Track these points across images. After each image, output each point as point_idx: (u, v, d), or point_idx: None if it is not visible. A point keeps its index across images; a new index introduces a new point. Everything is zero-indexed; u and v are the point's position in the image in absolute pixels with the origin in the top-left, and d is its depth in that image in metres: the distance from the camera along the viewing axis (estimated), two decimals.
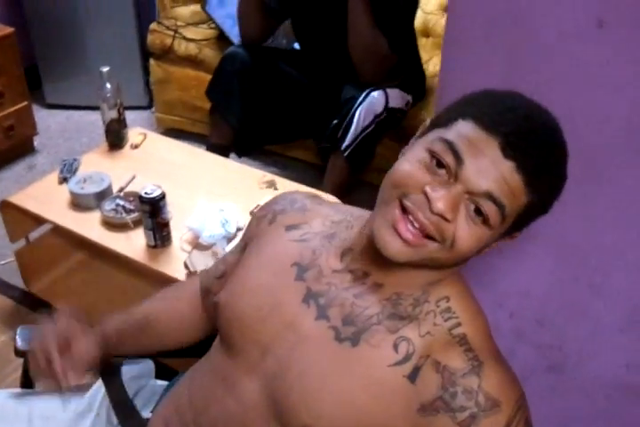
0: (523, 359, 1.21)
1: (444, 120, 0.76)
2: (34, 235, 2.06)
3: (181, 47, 2.76)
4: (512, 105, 0.74)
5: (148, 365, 1.19)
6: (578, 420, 1.23)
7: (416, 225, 0.73)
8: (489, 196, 0.71)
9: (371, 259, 0.82)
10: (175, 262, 1.65)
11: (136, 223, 1.74)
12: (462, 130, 0.73)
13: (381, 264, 0.81)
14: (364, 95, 2.15)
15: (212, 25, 2.74)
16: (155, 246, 1.69)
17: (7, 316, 2.09)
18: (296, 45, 2.59)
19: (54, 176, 1.96)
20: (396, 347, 0.80)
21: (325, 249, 0.89)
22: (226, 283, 0.97)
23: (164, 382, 1.19)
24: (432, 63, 2.58)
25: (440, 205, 0.71)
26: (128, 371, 1.15)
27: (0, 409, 1.07)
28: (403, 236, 0.73)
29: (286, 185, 1.89)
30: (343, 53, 2.19)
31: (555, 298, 1.11)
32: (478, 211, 0.72)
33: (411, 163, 0.75)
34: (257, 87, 2.37)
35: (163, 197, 1.64)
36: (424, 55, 2.51)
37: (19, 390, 1.16)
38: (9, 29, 2.55)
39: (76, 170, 1.97)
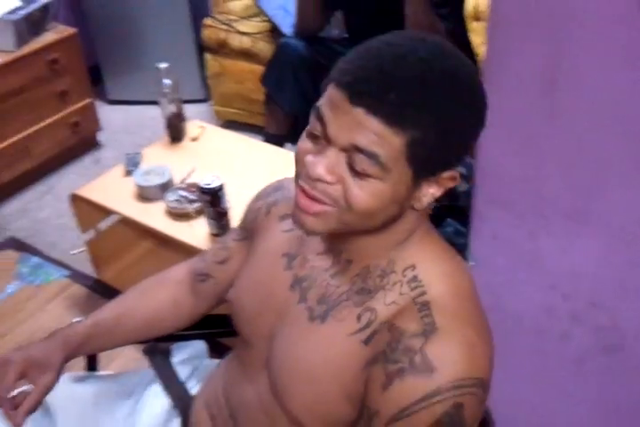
0: (578, 341, 1.23)
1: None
2: (102, 226, 2.16)
3: (235, 41, 2.82)
4: (366, 48, 0.72)
5: (200, 346, 1.24)
6: (633, 401, 1.23)
7: (309, 195, 0.75)
8: (355, 148, 0.70)
9: (338, 236, 0.83)
10: None
11: (198, 213, 1.82)
12: (328, 94, 0.72)
13: (345, 239, 0.82)
14: None
15: (265, 18, 2.78)
16: (217, 235, 1.76)
17: (81, 303, 2.20)
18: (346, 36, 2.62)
19: (119, 169, 2.05)
20: (359, 317, 0.81)
21: None
22: (233, 275, 1.02)
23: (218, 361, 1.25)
24: (485, 47, 2.56)
25: (318, 169, 0.72)
26: (179, 354, 1.21)
27: (66, 391, 1.12)
28: (304, 209, 0.75)
29: None
30: None
31: (606, 279, 1.12)
32: (356, 168, 0.71)
33: (302, 138, 0.77)
34: (310, 76, 2.41)
35: (221, 187, 1.70)
36: (476, 39, 2.50)
37: (83, 372, 1.23)
38: (72, 30, 2.66)
39: (140, 163, 2.06)
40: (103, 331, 1.07)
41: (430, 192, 0.76)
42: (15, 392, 0.96)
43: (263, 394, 0.92)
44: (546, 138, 1.05)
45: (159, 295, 1.13)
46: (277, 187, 1.04)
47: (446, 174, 0.75)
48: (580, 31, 0.93)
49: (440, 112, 0.69)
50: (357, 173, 0.71)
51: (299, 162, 0.76)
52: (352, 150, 0.70)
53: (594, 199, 1.07)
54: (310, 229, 0.78)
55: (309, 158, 0.73)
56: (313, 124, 0.74)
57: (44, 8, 2.55)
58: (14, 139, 2.57)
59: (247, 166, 2.02)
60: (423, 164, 0.72)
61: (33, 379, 0.97)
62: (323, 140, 0.73)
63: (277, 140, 2.50)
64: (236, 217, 1.78)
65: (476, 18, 2.72)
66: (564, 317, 1.20)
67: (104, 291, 2.21)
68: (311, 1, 2.33)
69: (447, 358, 0.73)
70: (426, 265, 0.81)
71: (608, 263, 1.10)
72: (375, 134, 0.68)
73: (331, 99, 0.71)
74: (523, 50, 0.86)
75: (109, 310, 1.10)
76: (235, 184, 1.86)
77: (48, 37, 2.59)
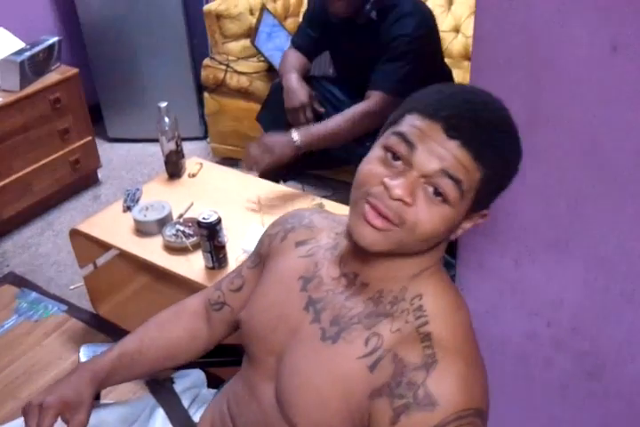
0: (562, 367, 1.26)
1: (394, 119, 0.84)
2: (101, 260, 2.20)
3: (233, 80, 2.90)
4: (451, 92, 0.82)
5: (199, 375, 1.28)
6: (618, 425, 1.26)
7: (381, 214, 0.79)
8: (443, 172, 0.77)
9: (357, 259, 0.89)
10: None
11: (195, 247, 1.85)
12: (410, 121, 0.80)
13: (365, 261, 0.88)
14: None
15: (262, 58, 2.87)
16: (212, 268, 1.79)
17: (77, 337, 2.22)
18: None
19: (118, 205, 2.09)
20: (367, 341, 0.86)
21: (327, 260, 0.96)
22: (247, 300, 1.05)
23: (215, 391, 1.27)
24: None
25: (398, 191, 0.77)
26: (181, 383, 1.24)
27: None
28: (372, 223, 0.80)
29: (334, 207, 1.98)
30: None
31: (587, 305, 1.16)
32: (437, 192, 0.78)
33: (370, 162, 0.83)
34: None
35: (219, 221, 1.74)
36: (466, 77, 2.58)
37: None
38: (74, 70, 2.73)
39: (139, 199, 2.10)
40: (127, 363, 1.10)
41: (465, 226, 0.86)
42: None
43: (268, 409, 0.95)
44: (527, 172, 1.10)
45: (177, 327, 1.16)
46: (294, 215, 1.09)
47: (483, 211, 0.86)
48: (557, 73, 0.99)
49: (509, 158, 0.82)
50: (433, 199, 0.78)
51: (370, 183, 0.81)
52: (437, 176, 0.77)
53: (574, 229, 1.11)
54: (370, 244, 0.81)
55: (388, 180, 0.79)
56: (394, 147, 0.80)
57: (49, 49, 2.64)
58: (17, 175, 2.63)
59: (243, 201, 2.07)
60: (482, 199, 0.82)
61: (67, 419, 0.99)
62: (399, 163, 0.79)
63: (272, 176, 2.55)
64: (232, 251, 1.82)
65: (467, 57, 2.82)
66: (547, 343, 1.24)
67: (100, 325, 2.24)
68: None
69: (447, 392, 0.78)
70: (432, 296, 0.87)
71: (589, 291, 1.14)
72: (462, 165, 0.77)
73: (419, 127, 0.79)
74: (503, 90, 0.92)
75: (131, 342, 1.13)
76: (231, 218, 1.91)
77: (51, 77, 2.66)
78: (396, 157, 0.80)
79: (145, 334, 1.15)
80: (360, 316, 0.88)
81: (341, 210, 1.85)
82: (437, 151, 0.77)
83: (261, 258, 1.09)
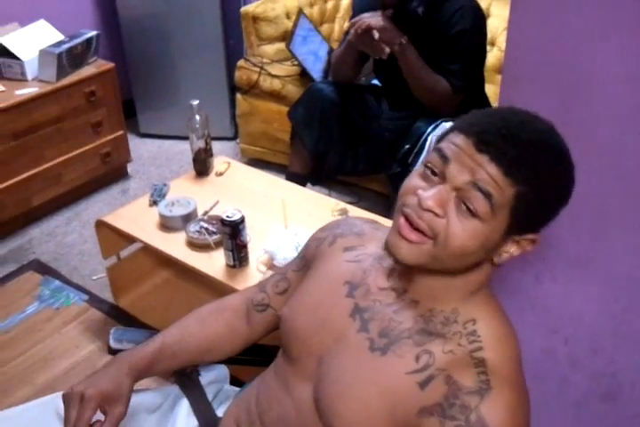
0: (577, 387, 1.25)
1: (438, 138, 0.86)
2: (124, 253, 2.23)
3: (266, 83, 2.92)
4: (492, 112, 0.85)
5: (223, 370, 1.29)
6: None
7: (414, 226, 0.81)
8: (474, 185, 0.78)
9: (404, 275, 0.91)
10: (251, 282, 1.72)
11: (217, 244, 1.87)
12: (450, 139, 0.83)
13: (411, 278, 0.89)
14: (435, 124, 2.24)
15: (295, 62, 2.89)
16: (233, 266, 1.81)
17: (96, 327, 2.24)
18: (374, 82, 2.71)
19: (145, 199, 2.12)
20: (417, 358, 0.86)
21: (375, 269, 0.97)
22: (289, 299, 1.07)
23: (237, 388, 1.28)
24: None
25: (429, 202, 0.80)
26: (206, 376, 1.25)
27: None
28: (407, 237, 0.82)
29: (358, 213, 1.98)
30: None
31: (606, 326, 1.15)
32: (468, 206, 0.79)
33: (411, 177, 0.85)
34: (338, 120, 2.49)
35: (242, 220, 1.76)
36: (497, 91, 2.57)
37: None
38: (110, 65, 2.78)
39: (165, 194, 2.13)
40: (167, 355, 1.12)
41: (511, 251, 0.85)
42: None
43: (304, 407, 0.97)
44: None
45: (217, 322, 1.17)
46: (346, 222, 1.12)
47: (530, 236, 0.84)
48: (587, 89, 1.00)
49: (546, 177, 0.80)
50: (463, 212, 0.79)
51: (407, 195, 0.84)
52: (468, 189, 0.79)
53: (596, 248, 1.11)
54: (404, 256, 0.84)
55: (421, 192, 0.81)
56: (432, 162, 0.82)
57: (87, 43, 2.68)
58: (48, 165, 2.67)
59: (268, 202, 2.08)
60: (520, 219, 0.81)
61: (107, 411, 1.00)
62: (436, 178, 0.82)
63: (299, 179, 2.56)
64: (254, 250, 1.84)
65: (499, 71, 2.80)
66: (563, 362, 1.23)
67: (119, 317, 2.26)
68: (352, 55, 2.41)
69: (498, 419, 0.79)
70: (486, 322, 0.88)
71: (608, 310, 1.14)
72: (492, 179, 0.78)
73: (455, 143, 0.81)
74: (532, 105, 0.92)
75: (172, 335, 1.14)
76: (255, 219, 1.92)
77: (87, 71, 2.71)
78: (434, 172, 0.82)
79: (186, 328, 1.16)
80: (411, 331, 0.89)
81: (365, 216, 1.85)
82: (468, 164, 0.79)
83: (306, 261, 1.10)
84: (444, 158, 0.81)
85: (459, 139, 0.81)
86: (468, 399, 0.80)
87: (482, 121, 0.81)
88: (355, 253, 1.02)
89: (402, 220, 0.83)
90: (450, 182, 0.80)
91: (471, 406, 0.80)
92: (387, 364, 0.88)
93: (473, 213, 0.79)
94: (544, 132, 0.82)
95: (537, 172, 0.79)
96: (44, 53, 2.56)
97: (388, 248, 0.86)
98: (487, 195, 0.78)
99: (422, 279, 0.89)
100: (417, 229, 0.82)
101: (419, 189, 0.82)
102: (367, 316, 0.94)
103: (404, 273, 0.91)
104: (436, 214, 0.80)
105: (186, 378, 1.23)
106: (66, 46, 2.58)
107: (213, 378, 1.26)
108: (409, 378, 0.86)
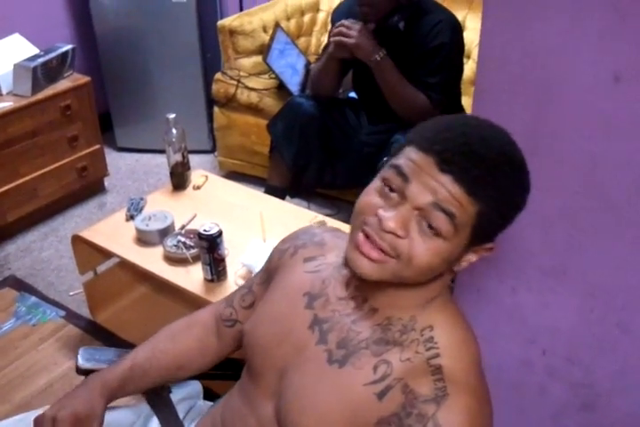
0: (555, 397, 1.25)
1: (395, 151, 0.85)
2: (101, 268, 2.21)
3: (243, 96, 2.92)
4: (449, 125, 0.82)
5: (196, 386, 1.28)
6: None
7: (376, 245, 0.80)
8: (436, 205, 0.77)
9: (365, 283, 0.89)
10: None
11: (195, 259, 1.86)
12: (407, 154, 0.81)
13: (374, 288, 0.88)
14: None
15: (272, 75, 2.90)
16: (211, 280, 1.80)
17: (73, 343, 2.21)
18: (351, 95, 2.73)
19: (122, 214, 2.10)
20: (375, 368, 0.86)
21: (334, 278, 0.97)
22: (253, 312, 1.06)
23: (210, 403, 1.27)
24: None
25: (390, 223, 0.78)
26: (177, 393, 1.23)
27: None
28: (367, 255, 0.81)
29: (336, 225, 1.97)
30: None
31: (583, 336, 1.16)
32: (431, 226, 0.78)
33: (368, 193, 0.84)
34: (317, 135, 2.50)
35: (220, 234, 1.75)
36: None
37: None
38: (86, 78, 2.76)
39: (142, 208, 2.11)
40: (139, 374, 1.10)
41: (470, 259, 0.85)
42: None
43: (266, 425, 0.96)
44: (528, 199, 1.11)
45: (188, 338, 1.16)
46: (306, 231, 1.10)
47: (487, 245, 0.85)
48: (559, 102, 1.01)
49: (507, 192, 0.80)
50: (426, 231, 0.79)
51: (366, 214, 0.82)
52: (430, 209, 0.78)
53: (571, 258, 1.12)
54: (366, 274, 0.83)
55: (382, 212, 0.80)
56: (390, 180, 0.81)
57: (62, 57, 2.67)
58: (23, 180, 2.64)
59: (246, 215, 2.07)
60: (480, 233, 0.81)
61: None
62: (395, 195, 0.80)
63: (278, 192, 2.56)
64: (232, 264, 1.83)
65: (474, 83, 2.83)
66: (541, 372, 1.23)
67: (97, 333, 2.24)
68: (333, 68, 2.41)
69: (455, 425, 0.79)
70: (443, 329, 0.87)
71: (584, 320, 1.14)
72: (455, 199, 0.77)
73: (414, 160, 0.79)
74: (505, 117, 0.93)
75: (143, 353, 1.13)
76: (233, 232, 1.91)
77: (63, 85, 2.69)
78: (392, 189, 0.81)
79: (156, 345, 1.15)
80: (368, 341, 0.88)
81: (341, 228, 1.84)
82: (430, 185, 0.78)
83: (269, 273, 1.10)
84: (404, 177, 0.80)
85: (418, 156, 0.79)
86: (424, 408, 0.79)
87: (441, 137, 0.79)
88: (315, 263, 1.02)
89: (361, 236, 0.82)
90: (410, 202, 0.79)
91: (428, 414, 0.79)
92: (345, 376, 0.88)
93: (436, 233, 0.79)
94: (504, 147, 0.81)
95: (499, 188, 0.79)
96: (18, 67, 2.54)
97: (348, 264, 0.85)
98: (450, 215, 0.77)
99: (383, 288, 0.88)
100: (379, 248, 0.81)
101: (379, 209, 0.80)
102: (326, 327, 0.93)
103: (363, 283, 0.90)
104: (398, 236, 0.79)
105: (156, 396, 1.21)
106: (41, 60, 2.57)
107: (185, 394, 1.24)
108: (367, 389, 0.85)
